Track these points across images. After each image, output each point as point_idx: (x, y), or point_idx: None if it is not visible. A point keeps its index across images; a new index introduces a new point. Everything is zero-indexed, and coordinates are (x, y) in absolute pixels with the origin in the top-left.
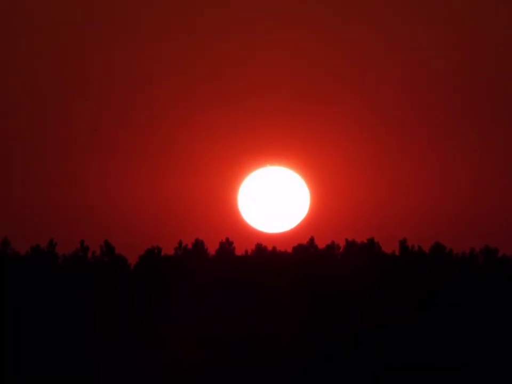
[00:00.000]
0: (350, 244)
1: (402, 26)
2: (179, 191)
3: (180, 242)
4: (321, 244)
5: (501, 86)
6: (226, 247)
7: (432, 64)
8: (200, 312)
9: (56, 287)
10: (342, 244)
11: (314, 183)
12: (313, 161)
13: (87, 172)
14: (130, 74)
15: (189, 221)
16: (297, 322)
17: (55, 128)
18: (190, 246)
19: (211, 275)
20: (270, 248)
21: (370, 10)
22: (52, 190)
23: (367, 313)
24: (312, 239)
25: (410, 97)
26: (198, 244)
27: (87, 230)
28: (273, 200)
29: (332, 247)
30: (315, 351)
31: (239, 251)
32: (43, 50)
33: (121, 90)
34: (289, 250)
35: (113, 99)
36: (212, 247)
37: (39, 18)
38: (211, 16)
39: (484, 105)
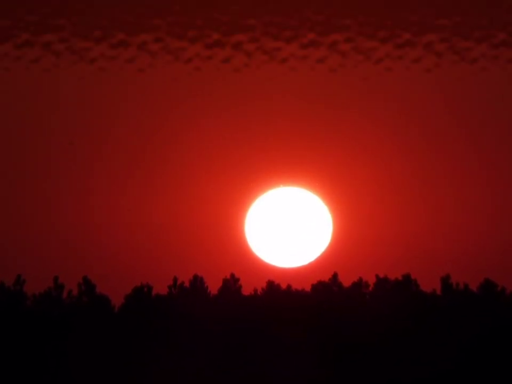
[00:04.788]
0: (382, 281)
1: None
2: (173, 217)
3: (175, 279)
4: (346, 281)
5: None
6: (231, 284)
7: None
8: (200, 363)
9: (24, 333)
10: (371, 281)
11: (338, 206)
12: (336, 181)
13: (61, 192)
14: (114, 70)
15: (186, 253)
16: (318, 376)
17: (21, 140)
18: (187, 284)
19: (212, 318)
20: (284, 286)
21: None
22: (17, 215)
23: (403, 364)
24: (335, 275)
25: (456, 112)
26: (197, 281)
27: (61, 264)
28: (288, 227)
29: (359, 284)
30: None
31: (246, 290)
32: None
33: (103, 91)
34: (308, 288)
35: (94, 102)
36: (213, 285)
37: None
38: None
39: None
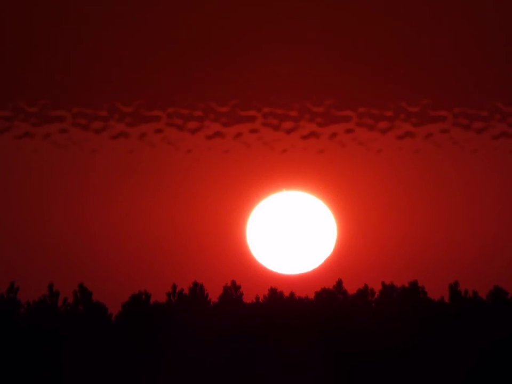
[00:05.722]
0: (388, 289)
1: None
2: (172, 221)
3: (174, 287)
4: (351, 288)
5: None
6: (232, 292)
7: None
8: (200, 373)
9: (18, 342)
10: (377, 288)
11: (342, 211)
12: (341, 185)
13: (56, 196)
14: (112, 66)
15: (185, 259)
16: None
17: (14, 140)
18: (186, 291)
19: (213, 327)
20: (286, 293)
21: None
22: (11, 220)
23: (410, 374)
24: (339, 283)
25: (462, 112)
26: (197, 289)
27: (56, 271)
28: (291, 233)
29: (364, 292)
30: None
31: (248, 297)
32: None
33: (97, 87)
34: (311, 296)
35: (87, 100)
36: (213, 293)
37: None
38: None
39: None
